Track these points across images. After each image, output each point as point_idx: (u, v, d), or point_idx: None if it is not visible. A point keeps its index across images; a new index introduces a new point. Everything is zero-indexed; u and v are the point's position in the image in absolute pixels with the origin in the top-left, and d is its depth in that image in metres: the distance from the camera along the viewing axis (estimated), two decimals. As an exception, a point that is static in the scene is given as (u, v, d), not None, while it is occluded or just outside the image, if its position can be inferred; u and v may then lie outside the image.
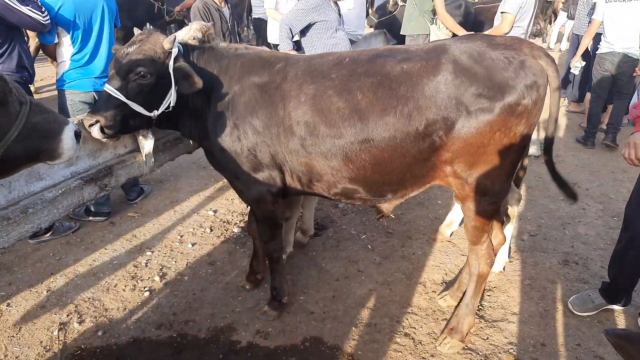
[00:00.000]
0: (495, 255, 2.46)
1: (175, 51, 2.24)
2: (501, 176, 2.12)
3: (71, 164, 2.26)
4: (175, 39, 2.25)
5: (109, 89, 2.18)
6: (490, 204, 2.20)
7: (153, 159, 2.65)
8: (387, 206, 2.47)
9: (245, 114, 2.28)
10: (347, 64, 2.18)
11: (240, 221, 3.91)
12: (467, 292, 2.48)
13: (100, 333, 2.63)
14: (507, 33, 4.84)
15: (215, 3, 4.75)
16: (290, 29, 4.59)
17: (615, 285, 2.69)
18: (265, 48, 3.08)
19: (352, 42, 5.91)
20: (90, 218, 3.88)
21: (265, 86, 2.27)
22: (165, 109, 2.31)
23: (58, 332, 2.64)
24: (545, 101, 2.10)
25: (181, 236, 3.67)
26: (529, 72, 1.99)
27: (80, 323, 2.72)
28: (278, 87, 2.25)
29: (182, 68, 2.24)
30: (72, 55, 3.51)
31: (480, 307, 2.84)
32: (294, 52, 4.56)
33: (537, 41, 12.13)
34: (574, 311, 2.74)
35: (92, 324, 2.71)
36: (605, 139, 5.53)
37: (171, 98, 2.29)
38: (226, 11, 4.88)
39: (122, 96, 2.18)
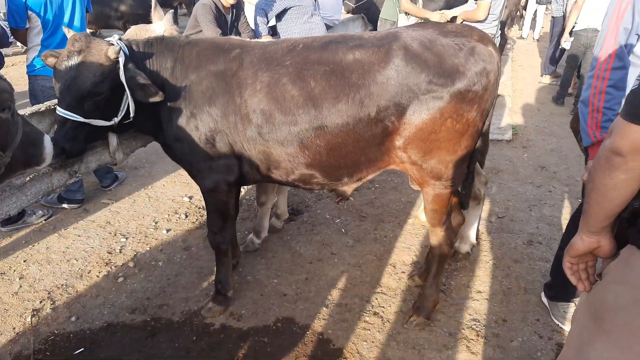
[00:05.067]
0: (456, 236, 2.55)
1: (122, 60, 2.20)
2: (455, 161, 2.20)
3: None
4: (119, 48, 2.20)
5: (64, 113, 2.15)
6: (445, 188, 2.28)
7: (121, 152, 2.65)
8: (345, 189, 2.53)
9: (203, 103, 2.29)
10: (300, 51, 2.22)
11: (215, 207, 3.93)
12: (430, 272, 2.58)
13: (73, 319, 2.66)
14: (483, 20, 4.92)
15: (222, 6, 4.30)
16: (265, 14, 4.57)
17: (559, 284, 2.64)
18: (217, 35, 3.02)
19: (328, 27, 5.91)
20: (64, 205, 3.86)
21: (222, 74, 2.28)
22: (125, 116, 2.31)
23: (31, 318, 2.66)
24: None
25: (156, 222, 3.69)
26: (478, 58, 2.05)
27: (53, 309, 2.74)
28: (234, 75, 2.26)
29: (136, 78, 2.21)
30: (43, 41, 3.46)
31: (447, 286, 2.95)
32: (269, 37, 4.55)
33: (514, 29, 12.30)
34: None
35: (65, 310, 2.73)
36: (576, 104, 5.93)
37: (130, 106, 2.28)
38: (229, 18, 4.49)
39: (80, 117, 2.17)
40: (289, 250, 3.34)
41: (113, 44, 2.24)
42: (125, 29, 7.79)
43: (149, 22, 2.98)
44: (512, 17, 12.35)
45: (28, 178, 2.11)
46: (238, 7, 4.43)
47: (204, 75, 2.32)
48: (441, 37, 2.13)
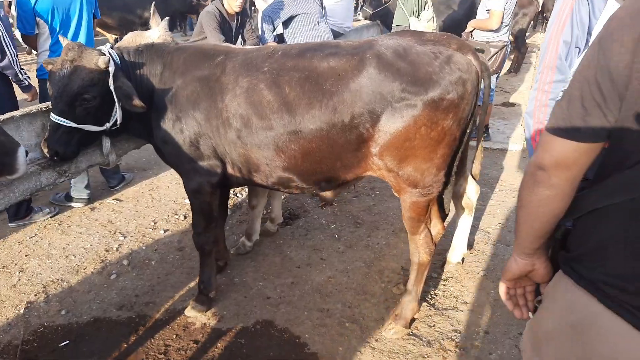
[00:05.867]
0: (435, 244, 2.53)
1: (112, 69, 2.30)
2: (431, 169, 2.18)
3: (30, 150, 2.37)
4: (109, 58, 2.30)
5: (57, 119, 2.27)
6: (422, 196, 2.27)
7: (114, 154, 2.76)
8: (328, 194, 2.55)
9: (188, 107, 2.37)
10: (278, 58, 2.27)
11: (214, 209, 4.01)
12: (410, 280, 2.57)
13: (63, 312, 2.76)
14: (497, 29, 4.87)
15: (227, 13, 4.38)
16: (272, 21, 4.65)
17: None
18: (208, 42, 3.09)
19: (339, 34, 5.96)
20: (71, 204, 4.02)
21: (206, 79, 2.35)
22: (115, 122, 2.42)
23: (25, 310, 2.78)
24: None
25: (155, 222, 3.80)
26: (454, 67, 2.04)
27: (46, 302, 2.85)
28: (217, 80, 2.33)
29: (122, 88, 2.32)
30: (52, 46, 3.64)
31: (432, 295, 2.92)
32: (274, 44, 4.63)
33: (539, 36, 12.05)
34: None
35: (57, 303, 2.85)
36: None
37: (118, 113, 2.39)
38: (234, 25, 4.57)
39: (72, 123, 2.29)
40: (279, 254, 3.38)
41: (104, 54, 2.35)
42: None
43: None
44: (535, 24, 12.12)
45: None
46: (243, 14, 4.53)
47: (189, 81, 2.40)
48: (417, 45, 2.14)
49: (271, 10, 4.69)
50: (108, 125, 2.44)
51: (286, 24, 4.76)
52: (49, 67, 2.37)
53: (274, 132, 2.23)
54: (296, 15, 4.68)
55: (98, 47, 2.44)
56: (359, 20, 9.34)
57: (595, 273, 1.06)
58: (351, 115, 2.13)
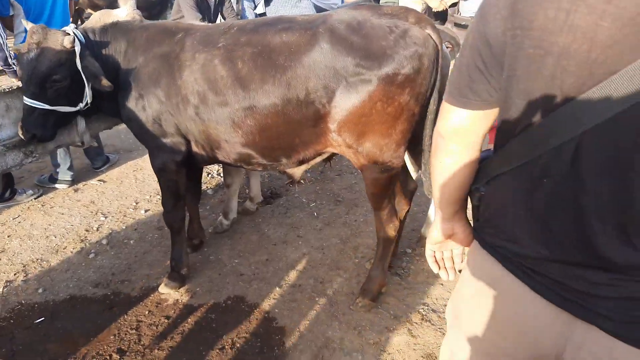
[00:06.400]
0: (400, 220, 2.55)
1: (78, 49, 2.32)
2: (390, 145, 2.17)
3: (-4, 131, 2.40)
4: (74, 37, 2.32)
5: (30, 102, 2.31)
6: (382, 172, 2.26)
7: (89, 134, 2.78)
8: (295, 172, 2.56)
9: (149, 84, 2.38)
10: (234, 33, 2.25)
11: (197, 189, 4.04)
12: (376, 254, 2.59)
13: (40, 290, 2.82)
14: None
15: None
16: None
17: None
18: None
19: (325, 11, 5.87)
20: (55, 185, 4.06)
21: (166, 56, 2.36)
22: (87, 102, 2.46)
23: (3, 289, 2.85)
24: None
25: (137, 202, 3.83)
26: (410, 41, 2.02)
27: (25, 281, 2.91)
28: (177, 57, 2.33)
29: (89, 67, 2.34)
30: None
31: (405, 270, 2.95)
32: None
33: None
34: None
35: (35, 282, 2.90)
36: None
37: (87, 92, 2.42)
38: (212, 2, 4.51)
39: (46, 105, 2.32)
40: (257, 232, 3.41)
41: (69, 34, 2.35)
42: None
43: None
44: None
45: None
46: None
47: (150, 58, 2.41)
48: (373, 19, 2.10)
49: (251, -13, 4.64)
50: (81, 105, 2.46)
51: (268, 1, 4.71)
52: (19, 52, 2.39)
53: (229, 107, 2.24)
54: (277, -7, 4.63)
55: (63, 28, 2.45)
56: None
57: (497, 237, 1.07)
58: (306, 90, 2.12)
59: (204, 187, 4.08)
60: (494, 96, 1.03)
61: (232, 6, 4.68)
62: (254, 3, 4.62)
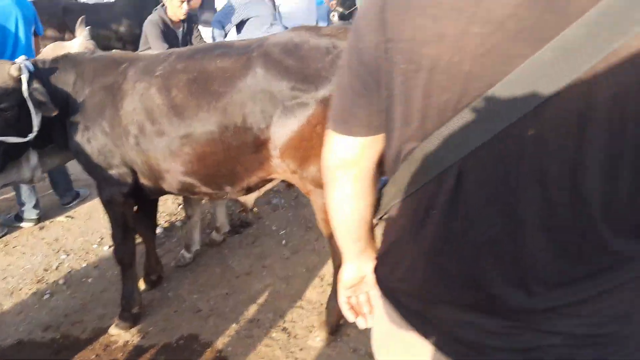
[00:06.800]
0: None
1: (25, 77, 2.28)
2: None
3: None
4: (20, 66, 2.28)
5: None
6: None
7: (40, 170, 2.71)
8: (246, 200, 2.48)
9: (95, 116, 2.33)
10: (172, 61, 2.21)
11: (165, 222, 3.94)
12: (334, 284, 2.46)
13: (-12, 336, 2.70)
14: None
15: (171, 21, 4.23)
16: (222, 26, 4.59)
17: None
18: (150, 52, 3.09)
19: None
20: (21, 224, 3.97)
21: (110, 87, 2.32)
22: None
23: (-50, 336, 2.72)
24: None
25: (102, 238, 3.73)
26: None
27: (-26, 327, 2.79)
28: (119, 87, 2.29)
29: (34, 94, 2.29)
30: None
31: (371, 299, 2.80)
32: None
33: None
34: None
35: (-16, 327, 2.79)
36: None
37: (34, 121, 2.34)
38: (180, 32, 4.39)
39: None
40: (221, 265, 3.29)
41: (15, 64, 2.31)
42: (125, 49, 8.04)
43: None
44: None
45: None
46: (189, 21, 4.46)
47: (96, 89, 2.38)
48: (311, 40, 2.04)
49: (222, 14, 4.65)
50: (31, 135, 2.39)
51: (239, 28, 4.71)
52: None
53: (166, 136, 2.17)
54: (248, 19, 4.63)
55: (13, 61, 2.41)
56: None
57: (390, 278, 0.95)
58: (242, 116, 2.04)
59: (172, 219, 3.98)
60: (378, 120, 0.91)
61: (201, 35, 4.67)
62: (224, 31, 4.62)
